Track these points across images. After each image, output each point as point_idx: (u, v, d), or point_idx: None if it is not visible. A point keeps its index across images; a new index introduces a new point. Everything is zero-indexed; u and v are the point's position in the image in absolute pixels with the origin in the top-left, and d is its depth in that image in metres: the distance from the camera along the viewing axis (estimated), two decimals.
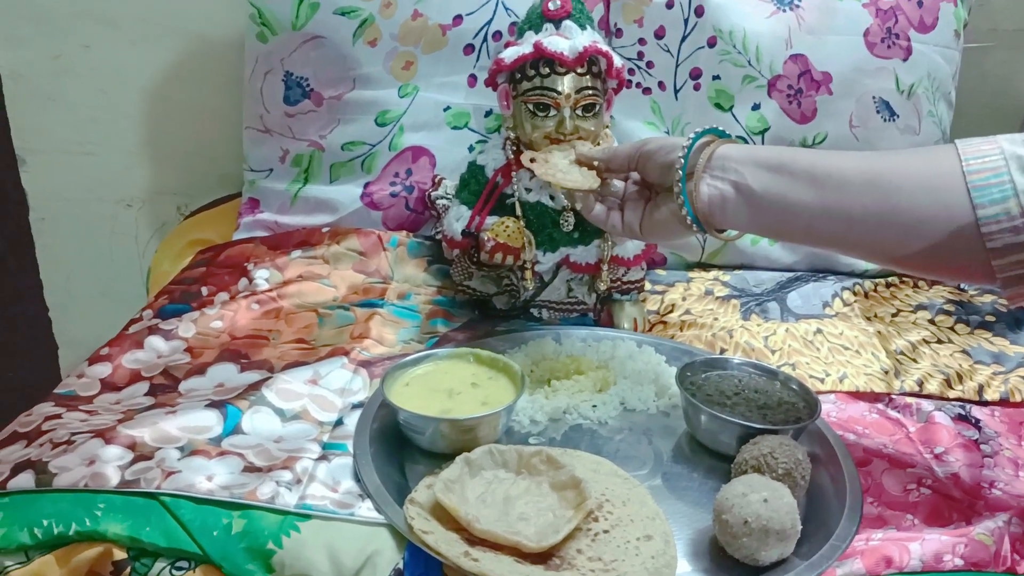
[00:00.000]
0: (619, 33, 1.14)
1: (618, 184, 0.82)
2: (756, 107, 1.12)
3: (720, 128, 0.75)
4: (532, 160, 0.85)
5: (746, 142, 1.12)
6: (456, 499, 0.64)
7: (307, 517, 0.66)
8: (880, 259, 0.70)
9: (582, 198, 0.81)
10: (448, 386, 0.78)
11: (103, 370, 0.85)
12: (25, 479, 0.67)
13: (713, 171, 0.71)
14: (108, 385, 0.84)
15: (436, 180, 1.11)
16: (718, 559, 0.64)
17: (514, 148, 0.93)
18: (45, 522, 0.63)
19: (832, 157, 0.70)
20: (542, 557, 0.62)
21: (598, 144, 0.91)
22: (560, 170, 0.83)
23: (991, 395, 0.88)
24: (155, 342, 0.90)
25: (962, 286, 1.09)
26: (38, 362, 1.50)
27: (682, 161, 0.72)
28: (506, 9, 1.11)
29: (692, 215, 0.72)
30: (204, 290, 1.00)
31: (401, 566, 0.63)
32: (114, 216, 1.43)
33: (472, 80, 1.13)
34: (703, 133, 0.73)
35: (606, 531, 0.64)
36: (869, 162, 0.68)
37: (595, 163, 0.81)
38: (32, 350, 1.49)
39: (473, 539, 0.62)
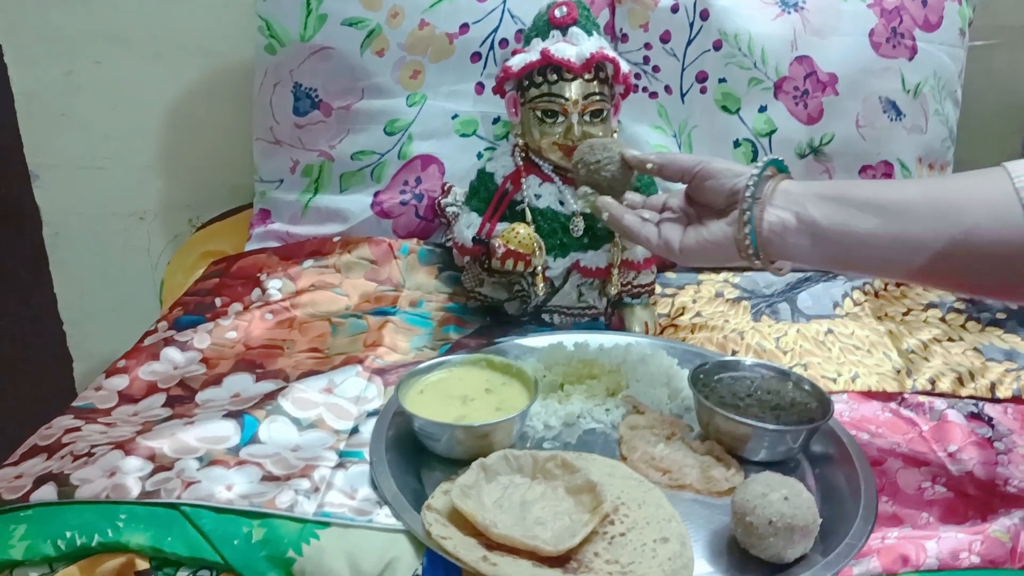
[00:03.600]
0: (625, 38, 1.15)
1: (657, 199, 0.81)
2: (763, 109, 1.12)
3: (781, 160, 0.74)
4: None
5: (755, 148, 1.12)
6: (473, 504, 0.65)
7: (326, 525, 0.66)
8: (951, 285, 0.69)
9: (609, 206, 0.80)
10: (462, 392, 0.79)
11: (120, 382, 0.86)
12: (47, 491, 0.67)
13: (776, 201, 0.71)
14: (125, 397, 0.85)
15: (445, 188, 1.12)
16: (736, 559, 0.65)
17: (523, 154, 0.94)
18: (68, 533, 0.64)
19: (890, 185, 0.70)
20: (559, 560, 0.62)
21: None
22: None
23: (1003, 392, 0.88)
24: (171, 353, 0.90)
25: None
26: (53, 375, 1.51)
27: (751, 188, 0.71)
28: (512, 17, 1.11)
29: (754, 243, 0.71)
30: (218, 301, 1.01)
31: (420, 572, 0.63)
32: (127, 230, 1.44)
33: (480, 88, 1.13)
34: (769, 163, 0.73)
35: (622, 534, 0.65)
36: (927, 187, 0.69)
37: (648, 166, 0.80)
38: (47, 364, 1.50)
39: (491, 544, 0.63)
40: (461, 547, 0.62)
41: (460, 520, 0.64)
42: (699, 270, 1.14)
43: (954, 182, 0.69)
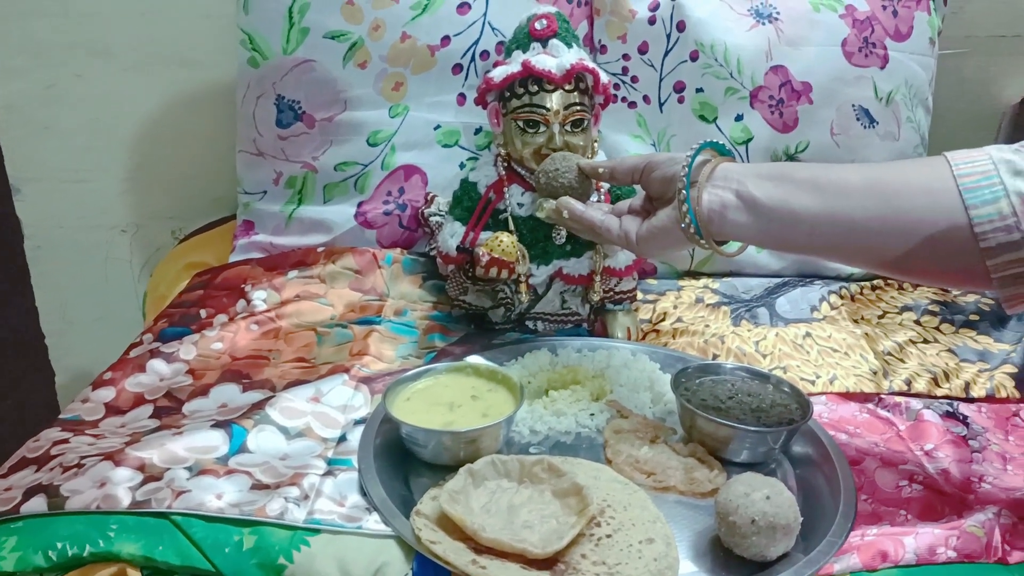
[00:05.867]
0: (604, 49, 1.17)
1: (623, 204, 0.84)
2: (739, 118, 1.14)
3: (721, 143, 0.77)
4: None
5: (733, 155, 1.14)
6: (461, 509, 0.65)
7: (316, 531, 0.67)
8: (880, 265, 0.71)
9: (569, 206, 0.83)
10: (449, 399, 0.80)
11: (107, 394, 0.86)
12: (37, 503, 0.68)
13: (715, 181, 0.73)
14: (112, 409, 0.85)
15: (428, 197, 1.13)
16: (720, 558, 0.66)
17: (505, 164, 0.95)
18: (59, 544, 0.64)
19: (832, 167, 0.71)
20: (547, 563, 0.63)
21: (588, 157, 0.93)
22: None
23: (977, 392, 0.90)
24: (157, 365, 0.91)
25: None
26: (35, 389, 1.50)
27: (686, 169, 0.73)
28: (493, 29, 1.13)
29: (694, 221, 0.73)
30: (203, 312, 1.01)
31: None
32: (109, 242, 1.44)
33: (461, 99, 1.15)
34: (705, 145, 0.75)
35: (609, 536, 0.66)
36: (867, 170, 0.70)
37: (600, 171, 0.83)
38: (29, 377, 1.50)
39: (480, 548, 0.64)
40: (451, 551, 0.63)
41: (449, 525, 0.65)
42: (679, 276, 1.16)
43: (895, 167, 0.71)
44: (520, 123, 0.91)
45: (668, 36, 1.14)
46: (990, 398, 0.90)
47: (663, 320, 1.04)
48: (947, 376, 0.92)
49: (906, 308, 1.07)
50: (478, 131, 1.16)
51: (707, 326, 1.02)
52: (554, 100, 0.90)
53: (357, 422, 0.81)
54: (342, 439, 0.79)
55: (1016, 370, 0.94)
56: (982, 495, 0.74)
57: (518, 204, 0.94)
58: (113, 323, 1.45)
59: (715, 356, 0.96)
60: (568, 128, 0.91)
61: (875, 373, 0.92)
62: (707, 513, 0.69)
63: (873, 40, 1.15)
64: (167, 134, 1.38)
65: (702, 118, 1.15)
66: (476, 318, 1.01)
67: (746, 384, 0.83)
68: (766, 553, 0.64)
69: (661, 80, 1.15)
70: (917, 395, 0.89)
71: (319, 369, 0.91)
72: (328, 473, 0.74)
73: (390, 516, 0.68)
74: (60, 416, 0.83)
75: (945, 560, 0.66)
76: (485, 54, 1.14)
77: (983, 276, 0.64)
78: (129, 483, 0.70)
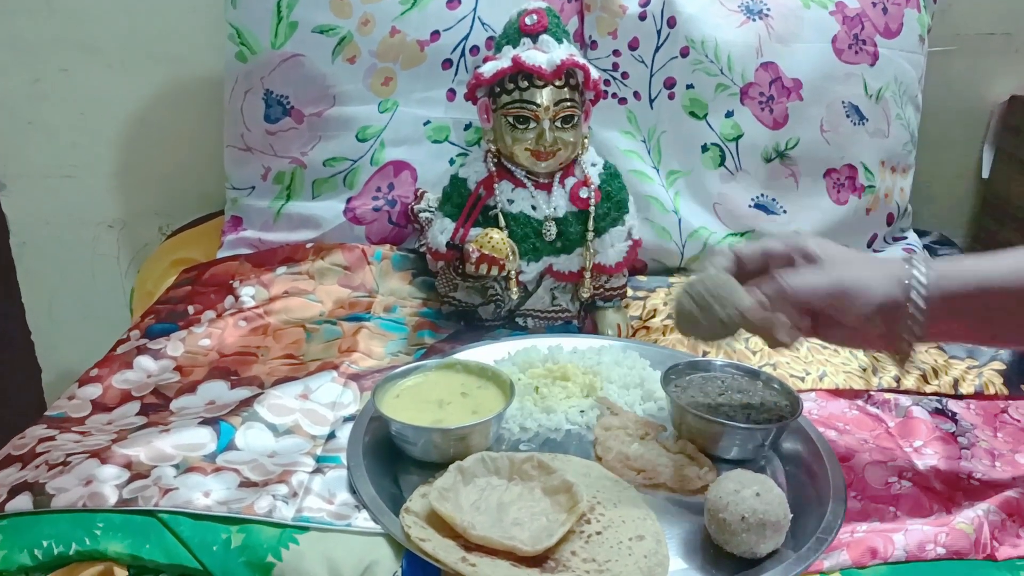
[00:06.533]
0: (594, 45, 1.16)
1: (753, 258, 0.73)
2: (729, 114, 1.14)
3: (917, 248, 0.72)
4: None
5: (722, 152, 1.14)
6: (451, 507, 0.65)
7: (305, 529, 0.66)
8: None
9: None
10: (438, 396, 0.79)
11: (93, 391, 0.86)
12: (23, 501, 0.67)
13: (938, 315, 0.66)
14: (99, 406, 0.84)
15: (418, 194, 1.13)
16: (710, 555, 0.66)
17: (495, 160, 0.95)
18: (45, 543, 0.64)
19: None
20: (537, 560, 0.63)
21: (578, 154, 0.93)
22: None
23: (966, 389, 0.90)
24: (144, 362, 0.90)
25: None
26: (21, 386, 1.49)
27: (914, 325, 0.66)
28: (483, 24, 1.12)
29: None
30: (190, 309, 1.00)
31: (400, 574, 0.64)
32: (95, 238, 1.43)
33: (451, 94, 1.14)
34: (914, 273, 0.66)
35: (599, 532, 0.66)
36: None
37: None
38: (15, 374, 1.49)
39: (469, 545, 0.63)
40: (440, 549, 0.63)
41: (438, 522, 0.65)
42: (670, 273, 1.16)
43: None
44: (510, 119, 0.91)
45: (659, 32, 1.13)
46: (979, 395, 0.90)
47: (653, 317, 1.04)
48: (936, 373, 0.92)
49: None
50: (468, 127, 1.15)
51: None
52: (544, 96, 0.90)
53: (346, 419, 0.81)
54: (331, 436, 0.78)
55: (1004, 367, 0.94)
56: (971, 492, 0.74)
57: (508, 200, 0.94)
58: (100, 320, 1.44)
59: (705, 353, 0.96)
60: (558, 124, 0.90)
61: (864, 370, 0.92)
62: (697, 510, 0.69)
63: (863, 37, 1.15)
64: (154, 130, 1.37)
65: (692, 114, 1.15)
66: (466, 315, 1.01)
67: (736, 381, 0.83)
68: (756, 550, 0.64)
69: (651, 76, 1.15)
70: (906, 392, 0.89)
71: (308, 366, 0.90)
72: (317, 470, 0.73)
73: (379, 514, 0.68)
74: (46, 413, 0.83)
75: (934, 557, 0.66)
76: (475, 49, 1.13)
77: None
78: (116, 481, 0.69)
